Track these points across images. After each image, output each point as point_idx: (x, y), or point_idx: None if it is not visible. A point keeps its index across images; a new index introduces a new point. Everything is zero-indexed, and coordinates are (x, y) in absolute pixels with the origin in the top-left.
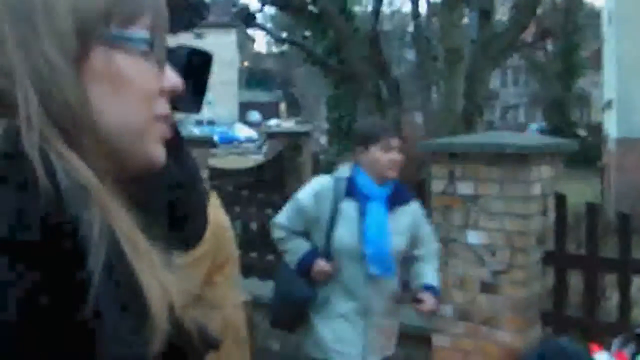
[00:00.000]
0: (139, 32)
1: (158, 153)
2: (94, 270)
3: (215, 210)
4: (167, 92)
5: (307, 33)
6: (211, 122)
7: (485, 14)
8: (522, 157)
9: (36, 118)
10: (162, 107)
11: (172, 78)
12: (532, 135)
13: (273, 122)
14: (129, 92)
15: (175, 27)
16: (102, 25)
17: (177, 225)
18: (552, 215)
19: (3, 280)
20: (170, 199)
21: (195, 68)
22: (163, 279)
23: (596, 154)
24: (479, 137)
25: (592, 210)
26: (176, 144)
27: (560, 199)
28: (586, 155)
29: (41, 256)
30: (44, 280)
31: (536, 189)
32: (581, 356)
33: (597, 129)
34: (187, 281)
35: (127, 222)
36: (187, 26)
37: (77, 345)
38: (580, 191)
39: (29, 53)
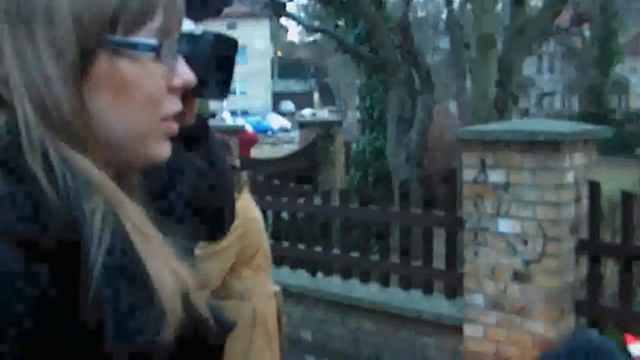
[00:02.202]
0: (145, 37)
1: (161, 151)
2: (96, 258)
3: (246, 203)
4: (179, 89)
5: (339, 22)
6: (245, 113)
7: (519, 0)
8: (554, 145)
9: (32, 124)
10: (172, 105)
11: (184, 74)
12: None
13: (306, 111)
14: (133, 97)
15: (201, 14)
16: (106, 33)
17: (203, 216)
18: (585, 203)
19: (8, 271)
20: (194, 189)
21: (221, 54)
22: (176, 267)
23: (636, 141)
24: (511, 125)
25: (628, 198)
26: (203, 135)
27: (594, 187)
28: (625, 142)
29: (42, 246)
30: (46, 269)
31: (569, 177)
32: (613, 349)
33: (635, 116)
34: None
35: (137, 213)
36: (213, 14)
37: (83, 331)
38: (619, 179)
39: (25, 62)
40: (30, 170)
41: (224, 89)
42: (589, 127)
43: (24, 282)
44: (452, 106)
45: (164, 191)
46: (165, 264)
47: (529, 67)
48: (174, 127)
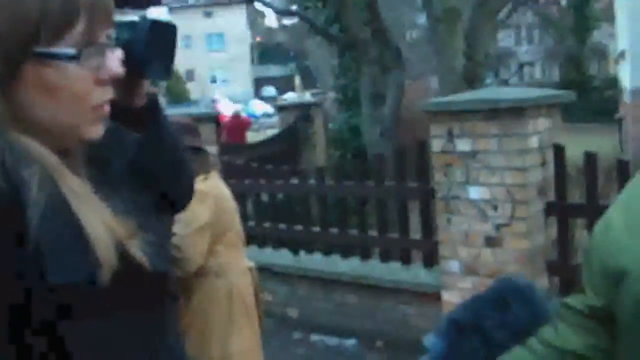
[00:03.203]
0: (67, 46)
1: (94, 133)
2: (33, 215)
3: (216, 183)
4: (107, 81)
5: (310, 3)
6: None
7: None
8: (517, 111)
9: None
10: (101, 95)
11: (112, 67)
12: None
13: (289, 95)
14: (59, 97)
15: (144, 4)
16: (29, 46)
17: (158, 187)
18: (551, 166)
19: None
20: (142, 163)
21: (160, 38)
22: (110, 222)
23: (615, 106)
24: (475, 95)
25: (591, 158)
26: (153, 114)
27: (559, 150)
28: (604, 108)
29: None
30: None
31: (533, 142)
32: (532, 286)
33: (614, 81)
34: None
35: (73, 179)
36: (156, 2)
37: (25, 275)
38: (598, 144)
39: None
40: None
41: (166, 70)
42: (551, 92)
43: None
44: (434, 81)
45: (107, 162)
46: (99, 220)
47: (507, 38)
48: (105, 111)
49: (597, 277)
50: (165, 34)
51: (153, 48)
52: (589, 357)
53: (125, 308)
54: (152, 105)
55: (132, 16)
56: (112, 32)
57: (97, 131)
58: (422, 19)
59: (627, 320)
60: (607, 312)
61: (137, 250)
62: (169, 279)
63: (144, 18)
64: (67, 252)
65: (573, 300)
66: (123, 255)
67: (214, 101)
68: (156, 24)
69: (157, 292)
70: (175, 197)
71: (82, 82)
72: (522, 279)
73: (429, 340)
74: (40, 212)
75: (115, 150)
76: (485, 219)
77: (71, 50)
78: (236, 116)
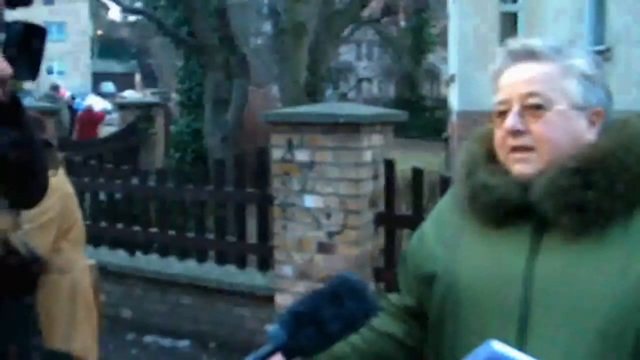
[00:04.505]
0: None
1: None
2: None
3: (61, 179)
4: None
5: (160, 3)
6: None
7: None
8: (354, 126)
9: None
10: None
11: (3, 69)
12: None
13: (127, 93)
14: None
15: (14, 3)
16: None
17: (16, 181)
18: (382, 180)
19: None
20: (4, 157)
21: (30, 41)
22: None
23: (444, 126)
24: (316, 108)
25: (417, 174)
26: (14, 110)
27: (390, 165)
28: (435, 127)
29: None
30: None
31: (367, 156)
32: (365, 285)
33: (444, 102)
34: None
35: None
36: (25, 3)
37: None
38: (428, 160)
39: None
40: None
41: (32, 71)
42: (386, 111)
43: None
44: (275, 89)
45: None
46: None
47: (348, 53)
48: None
49: (412, 280)
50: (34, 37)
51: (23, 49)
52: (405, 341)
53: (5, 291)
54: (15, 102)
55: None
56: (2, 36)
57: None
58: (267, 27)
59: (435, 314)
60: (418, 310)
61: (16, 241)
62: (39, 269)
63: (15, 21)
64: None
65: (392, 297)
66: (5, 244)
67: (55, 88)
68: (28, 26)
69: (32, 279)
70: (32, 193)
71: None
72: (355, 277)
73: (271, 330)
74: None
75: None
76: (319, 226)
77: None
78: (89, 110)
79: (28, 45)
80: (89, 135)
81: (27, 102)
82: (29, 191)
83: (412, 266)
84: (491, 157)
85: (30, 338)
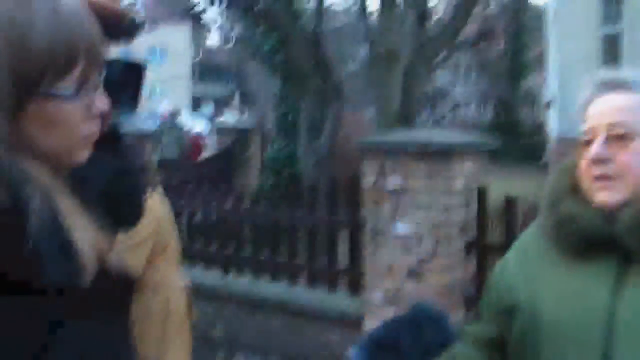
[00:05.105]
0: (66, 85)
1: (80, 158)
2: (33, 225)
3: (157, 200)
4: (97, 115)
5: (257, 30)
6: (158, 115)
7: (422, 17)
8: (446, 153)
9: None
10: (90, 128)
11: (101, 105)
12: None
13: (226, 115)
14: (56, 128)
15: (116, 39)
16: (36, 85)
17: (116, 206)
18: (474, 207)
19: None
20: (108, 185)
21: (131, 77)
22: (93, 235)
23: (541, 151)
24: (408, 134)
25: (510, 202)
26: (115, 140)
27: (482, 193)
28: (532, 152)
29: None
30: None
31: (459, 183)
32: (443, 316)
33: (542, 127)
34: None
35: (65, 196)
36: (125, 39)
37: (23, 270)
38: (524, 186)
39: None
40: None
41: (132, 104)
42: (479, 137)
43: None
44: (369, 113)
45: (85, 182)
46: (85, 233)
47: (444, 77)
48: (91, 141)
49: (494, 311)
50: (135, 73)
51: (124, 85)
52: None
53: (100, 311)
54: (116, 133)
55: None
56: (103, 73)
57: (83, 157)
58: (362, 52)
59: (516, 345)
60: (499, 340)
61: (112, 262)
62: (133, 290)
63: (118, 59)
64: (57, 258)
65: (474, 327)
66: (102, 265)
67: (174, 114)
68: (129, 65)
69: (127, 302)
70: (131, 216)
71: (76, 117)
72: (435, 307)
73: (352, 354)
74: (39, 224)
75: (89, 172)
76: (410, 253)
77: (70, 91)
78: (197, 136)
79: (129, 81)
80: (195, 157)
81: (130, 125)
82: (127, 214)
83: (494, 297)
84: (576, 188)
85: (132, 356)
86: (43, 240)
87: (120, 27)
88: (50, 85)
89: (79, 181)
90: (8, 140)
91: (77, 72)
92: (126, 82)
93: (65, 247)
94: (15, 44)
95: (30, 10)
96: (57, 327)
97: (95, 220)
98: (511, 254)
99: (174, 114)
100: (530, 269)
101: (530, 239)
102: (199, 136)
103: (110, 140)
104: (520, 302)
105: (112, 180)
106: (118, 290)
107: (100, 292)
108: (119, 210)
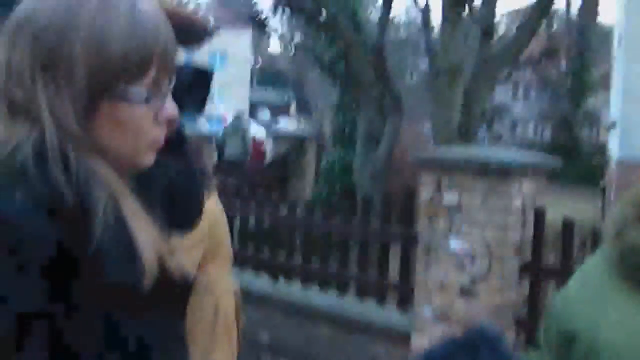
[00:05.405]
0: (139, 88)
1: (147, 161)
2: (98, 225)
3: (212, 203)
4: (164, 122)
5: (318, 39)
6: (218, 119)
7: (486, 32)
8: (504, 171)
9: (54, 140)
10: (158, 132)
11: (169, 110)
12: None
13: (282, 122)
14: (126, 130)
15: (186, 45)
16: (110, 87)
17: (176, 208)
18: (531, 227)
19: (42, 227)
20: (169, 187)
21: (198, 82)
22: (155, 238)
23: (601, 173)
24: (466, 151)
25: (568, 225)
26: (179, 143)
27: (539, 213)
28: (591, 174)
29: (63, 214)
30: (65, 229)
31: (517, 202)
32: (500, 338)
33: (603, 149)
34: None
35: (130, 199)
36: (195, 45)
37: (87, 271)
38: (581, 209)
39: (51, 102)
40: (51, 166)
41: (199, 108)
42: (539, 156)
43: (49, 234)
44: (427, 125)
45: (149, 184)
46: (148, 235)
47: (504, 93)
48: (157, 146)
49: (553, 338)
50: (203, 79)
51: (192, 91)
52: None
53: (158, 313)
54: (180, 137)
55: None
56: (174, 79)
57: (149, 160)
58: (423, 65)
59: None
60: None
61: (173, 265)
62: (191, 293)
63: (187, 65)
64: (120, 259)
65: (534, 354)
66: (162, 268)
67: (238, 117)
68: (197, 71)
69: (183, 304)
70: (189, 219)
71: (146, 121)
72: (492, 329)
73: None
74: (103, 224)
75: (153, 175)
76: (463, 270)
77: (144, 94)
78: (259, 142)
79: (196, 87)
80: (258, 161)
81: (192, 128)
82: (186, 216)
83: (554, 323)
84: None
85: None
86: (107, 241)
87: (192, 32)
88: (123, 89)
89: (143, 182)
90: (79, 139)
91: (149, 77)
92: (193, 87)
93: (128, 249)
94: (94, 46)
95: (110, 13)
96: (116, 327)
97: (157, 222)
98: (573, 282)
99: (238, 117)
100: (592, 297)
101: (593, 267)
102: (260, 141)
103: (174, 143)
104: (580, 332)
105: (174, 183)
106: (177, 293)
107: (159, 295)
108: (178, 212)
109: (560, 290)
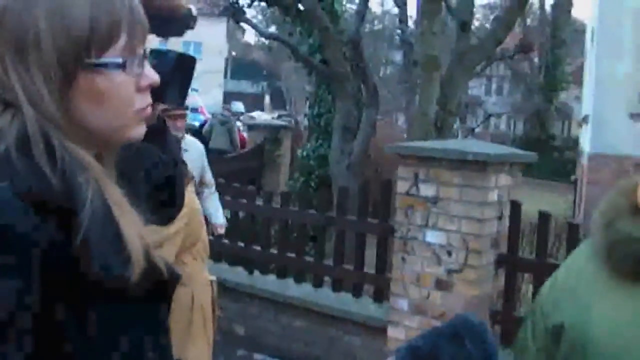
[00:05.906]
0: (113, 56)
1: (136, 133)
2: (85, 216)
3: (190, 195)
4: (147, 87)
5: (295, 30)
6: (195, 110)
7: (463, 26)
8: (481, 165)
9: (33, 120)
10: (142, 100)
11: (150, 75)
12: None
13: (256, 114)
14: (107, 102)
15: (167, 33)
16: (82, 57)
17: (161, 198)
18: (507, 221)
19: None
20: (154, 175)
21: (182, 69)
22: (141, 229)
23: (573, 167)
24: (444, 144)
25: (544, 218)
26: (161, 131)
27: (515, 206)
28: (563, 167)
29: (50, 206)
30: (52, 220)
31: (493, 196)
32: (485, 327)
33: (575, 143)
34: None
35: (114, 188)
36: (177, 34)
37: (73, 263)
38: (553, 202)
39: (23, 80)
40: (35, 155)
41: (181, 95)
42: (515, 150)
43: (37, 227)
44: (401, 118)
45: (132, 172)
46: (133, 226)
47: (477, 87)
48: (147, 113)
49: (539, 330)
50: (186, 65)
51: (175, 77)
52: None
53: (142, 304)
54: (161, 124)
55: (155, 44)
56: (148, 47)
57: (139, 131)
58: (398, 56)
59: None
60: None
61: (158, 257)
62: (176, 285)
63: (170, 50)
64: (107, 250)
65: (517, 346)
66: (148, 259)
67: (227, 108)
68: (181, 56)
69: (167, 297)
70: (170, 210)
71: (127, 88)
72: (477, 319)
73: None
74: (90, 214)
75: (136, 165)
76: (439, 262)
77: (118, 59)
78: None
79: (179, 73)
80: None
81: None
82: (169, 208)
83: (541, 317)
84: (635, 210)
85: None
86: (94, 231)
87: (173, 20)
88: (96, 58)
89: (126, 172)
90: (59, 122)
91: (121, 43)
92: (174, 75)
93: (115, 240)
94: (58, 15)
95: None
96: (105, 319)
97: (141, 212)
98: (560, 272)
99: (226, 109)
100: (579, 289)
101: (580, 259)
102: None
103: (155, 132)
104: (568, 325)
105: (156, 173)
106: (163, 285)
107: (146, 286)
108: (161, 202)
109: (546, 283)
